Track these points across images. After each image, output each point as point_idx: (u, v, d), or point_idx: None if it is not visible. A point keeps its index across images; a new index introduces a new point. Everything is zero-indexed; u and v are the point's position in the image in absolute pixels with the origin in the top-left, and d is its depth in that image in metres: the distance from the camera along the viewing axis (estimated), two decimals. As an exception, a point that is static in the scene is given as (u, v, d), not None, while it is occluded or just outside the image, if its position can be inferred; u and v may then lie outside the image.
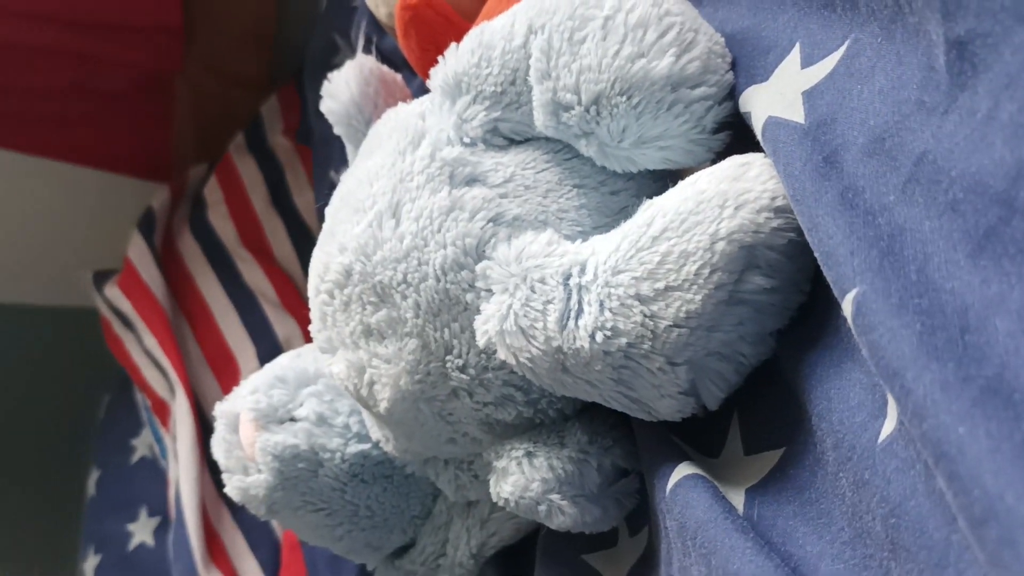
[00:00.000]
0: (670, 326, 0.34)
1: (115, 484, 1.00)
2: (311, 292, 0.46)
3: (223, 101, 1.17)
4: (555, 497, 0.40)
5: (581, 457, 0.41)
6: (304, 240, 1.01)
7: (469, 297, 0.40)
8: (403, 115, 0.45)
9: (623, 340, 0.35)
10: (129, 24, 1.06)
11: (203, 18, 1.13)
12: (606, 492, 0.41)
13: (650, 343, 0.34)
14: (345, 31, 0.86)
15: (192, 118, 1.19)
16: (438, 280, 0.40)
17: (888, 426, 0.29)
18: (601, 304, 0.35)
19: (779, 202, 0.33)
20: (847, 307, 0.28)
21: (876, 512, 0.29)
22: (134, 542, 0.94)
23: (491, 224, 0.40)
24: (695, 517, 0.34)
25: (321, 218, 0.48)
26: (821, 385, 0.33)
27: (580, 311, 0.36)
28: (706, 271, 0.33)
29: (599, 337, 0.35)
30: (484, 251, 0.40)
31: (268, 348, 0.94)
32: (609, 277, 0.35)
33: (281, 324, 0.97)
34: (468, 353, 0.40)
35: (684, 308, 0.33)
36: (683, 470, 0.36)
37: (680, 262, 0.34)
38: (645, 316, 0.34)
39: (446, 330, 0.40)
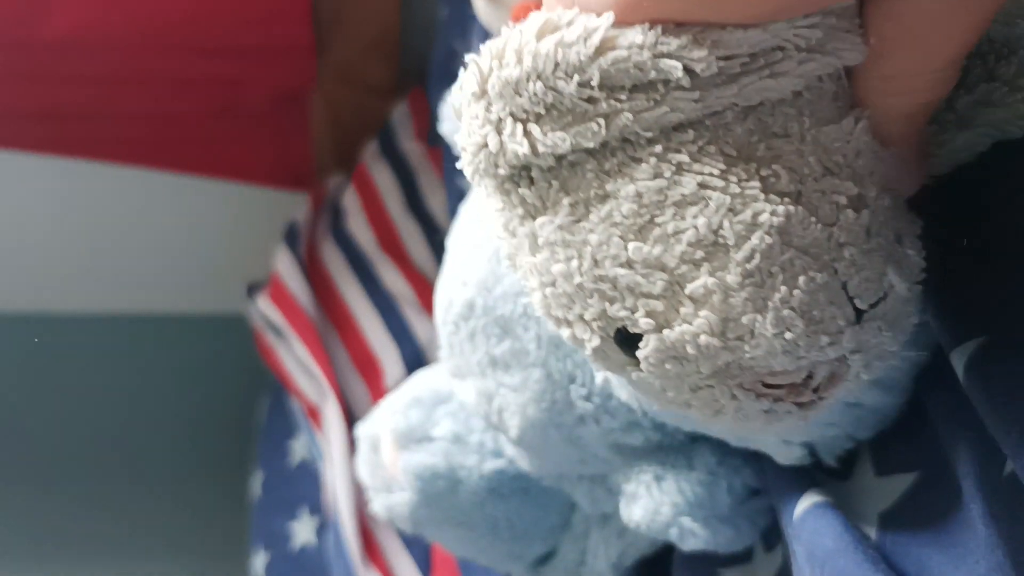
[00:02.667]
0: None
1: (278, 485, 1.05)
2: (438, 321, 0.48)
3: (356, 110, 1.21)
4: (686, 520, 0.40)
5: (710, 479, 0.41)
6: (439, 242, 1.03)
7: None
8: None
9: None
10: (265, 46, 1.11)
11: (332, 33, 1.16)
12: (738, 512, 0.41)
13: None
14: (465, 38, 0.87)
15: (328, 129, 1.23)
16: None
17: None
18: None
19: None
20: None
21: (1008, 548, 0.28)
22: (299, 541, 0.99)
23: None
24: (824, 546, 0.34)
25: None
26: (945, 409, 0.32)
27: None
28: None
29: None
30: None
31: (410, 350, 0.97)
32: None
33: (422, 326, 1.00)
34: (591, 382, 0.41)
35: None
36: (811, 496, 0.36)
37: None
38: None
39: (568, 360, 0.41)
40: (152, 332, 1.32)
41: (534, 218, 0.26)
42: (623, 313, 0.25)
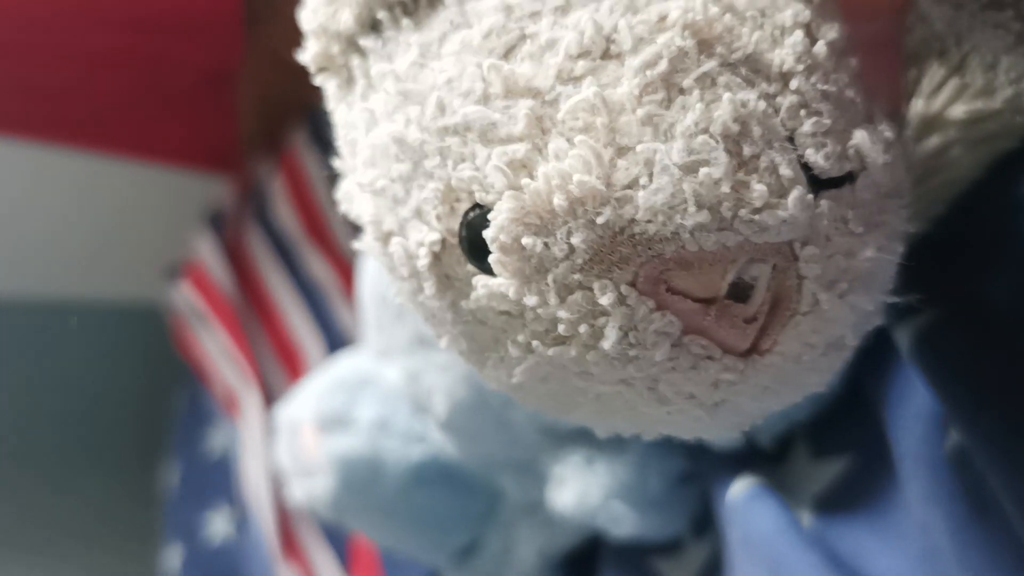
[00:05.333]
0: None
1: (196, 477, 1.02)
2: (365, 298, 0.46)
3: (286, 93, 1.18)
4: (616, 504, 0.39)
5: (642, 462, 0.40)
6: (368, 230, 1.01)
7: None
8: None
9: None
10: (189, 22, 1.07)
11: (263, 11, 1.13)
12: (669, 497, 0.40)
13: None
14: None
15: (256, 111, 1.20)
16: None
17: (954, 437, 0.27)
18: None
19: None
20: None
21: (942, 527, 0.28)
22: (217, 534, 0.96)
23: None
24: (759, 529, 0.33)
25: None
26: (886, 390, 0.31)
27: None
28: None
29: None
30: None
31: (335, 340, 0.95)
32: None
33: (347, 315, 0.97)
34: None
35: None
36: (746, 479, 0.35)
37: None
38: None
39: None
40: (62, 319, 1.27)
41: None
42: (469, 174, 0.18)
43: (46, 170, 1.17)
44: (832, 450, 0.34)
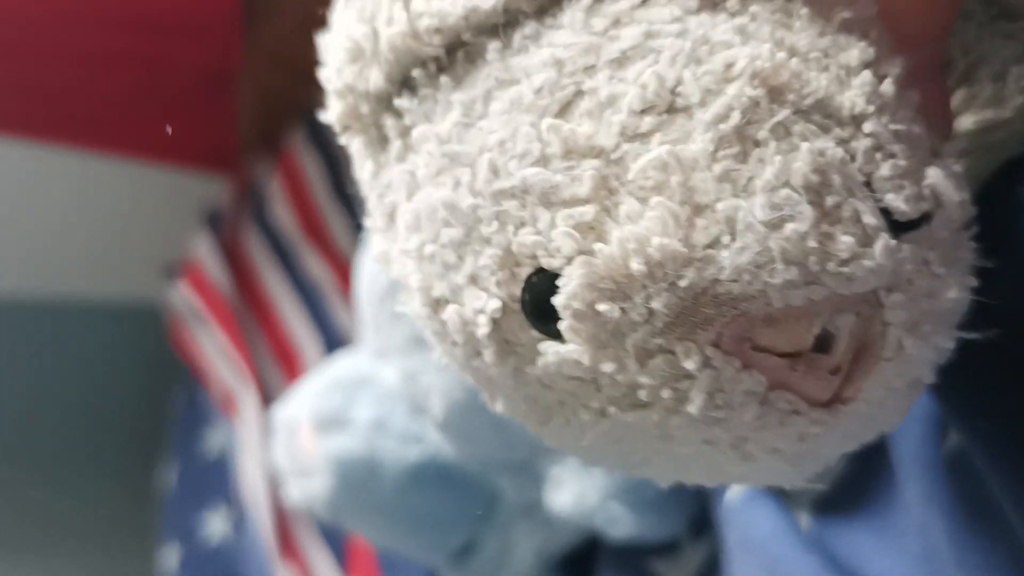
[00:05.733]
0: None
1: (193, 477, 1.02)
2: (362, 298, 0.46)
3: (285, 94, 1.18)
4: (613, 505, 0.39)
5: (640, 464, 0.40)
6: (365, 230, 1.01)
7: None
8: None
9: None
10: (190, 22, 1.07)
11: (263, 11, 1.13)
12: (666, 498, 0.40)
13: None
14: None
15: (255, 111, 1.20)
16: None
17: (953, 438, 0.27)
18: None
19: None
20: None
21: (941, 528, 0.27)
22: (215, 534, 0.96)
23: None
24: (757, 531, 0.33)
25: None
26: None
27: None
28: None
29: None
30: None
31: (333, 340, 0.95)
32: None
33: (345, 315, 0.97)
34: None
35: None
36: (743, 481, 0.35)
37: None
38: None
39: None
40: (59, 318, 1.27)
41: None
42: (533, 239, 0.17)
43: (44, 169, 1.17)
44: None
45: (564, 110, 0.17)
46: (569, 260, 0.17)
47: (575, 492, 0.39)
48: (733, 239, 0.16)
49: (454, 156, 0.18)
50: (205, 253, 1.06)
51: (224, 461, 0.99)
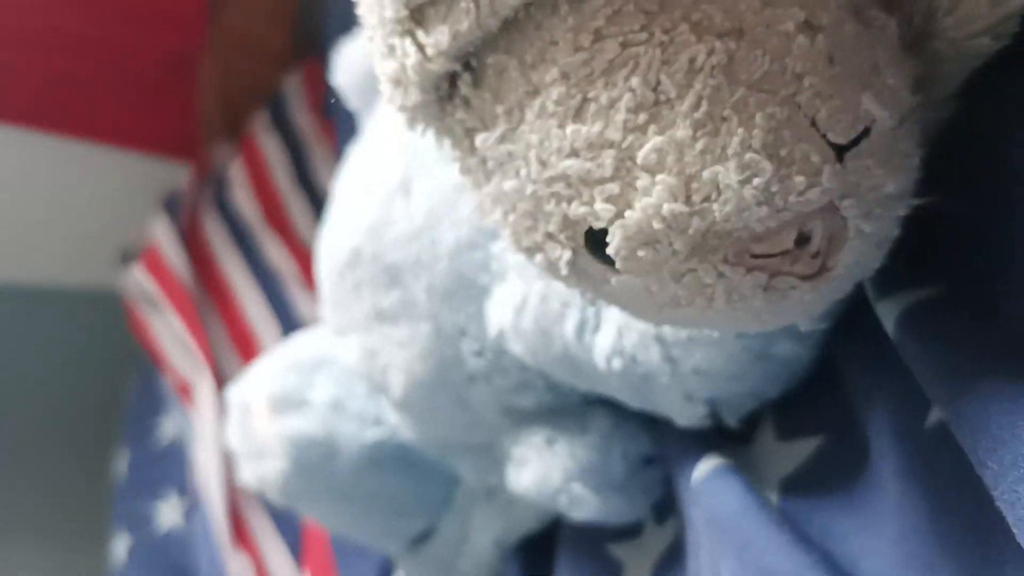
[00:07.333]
0: (691, 372, 0.33)
1: (145, 465, 0.99)
2: (321, 273, 0.45)
3: (247, 78, 1.16)
4: (577, 486, 0.38)
5: (605, 444, 0.39)
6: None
7: (484, 279, 0.38)
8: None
9: (641, 369, 0.34)
10: (153, 6, 1.05)
11: (225, -6, 1.11)
12: (632, 480, 0.39)
13: (668, 378, 0.33)
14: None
15: (217, 96, 1.18)
16: (451, 260, 0.38)
17: (935, 414, 0.27)
18: (620, 331, 0.33)
19: None
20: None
21: (921, 506, 0.27)
22: (165, 523, 0.94)
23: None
24: (725, 509, 0.32)
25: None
26: (860, 368, 0.31)
27: (598, 327, 0.34)
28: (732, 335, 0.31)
29: (616, 363, 0.34)
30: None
31: (291, 326, 0.93)
32: None
33: (305, 303, 0.96)
34: (483, 337, 0.39)
35: (707, 361, 0.32)
36: (711, 459, 0.34)
37: None
38: (665, 357, 0.33)
39: (460, 313, 0.39)
40: (13, 304, 1.24)
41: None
42: (583, 210, 0.24)
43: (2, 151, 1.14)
44: (801, 432, 0.33)
45: (578, 114, 0.23)
46: (610, 223, 0.23)
47: (538, 473, 0.38)
48: (719, 195, 0.22)
49: (510, 153, 0.25)
50: (163, 237, 1.03)
51: (177, 448, 0.97)
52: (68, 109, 1.12)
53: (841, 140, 0.23)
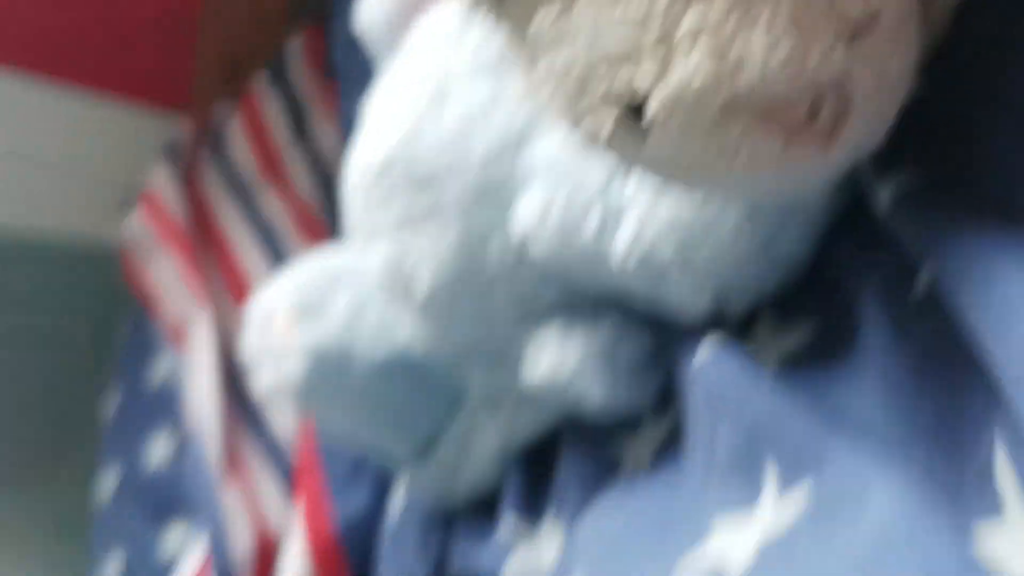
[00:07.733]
0: (701, 262, 0.36)
1: (136, 405, 1.01)
2: (350, 185, 0.48)
3: (247, 36, 1.18)
4: (587, 374, 0.42)
5: (616, 335, 0.42)
6: (325, 175, 1.02)
7: (511, 185, 0.41)
8: (448, 10, 0.47)
9: (656, 262, 0.37)
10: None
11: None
12: (638, 370, 0.42)
13: (679, 270, 0.37)
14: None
15: (215, 53, 1.20)
16: (482, 168, 0.42)
17: (923, 281, 0.30)
18: (640, 225, 0.37)
19: None
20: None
21: (905, 364, 0.30)
22: (154, 461, 0.96)
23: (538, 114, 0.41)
24: (725, 385, 0.35)
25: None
26: (851, 254, 0.34)
27: (619, 225, 0.38)
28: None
29: (632, 262, 0.37)
30: (530, 140, 0.41)
31: (289, 276, 0.96)
32: (651, 198, 0.37)
33: (299, 254, 0.98)
34: (508, 240, 0.42)
35: (717, 250, 0.36)
36: (712, 339, 0.37)
37: None
38: (678, 249, 0.37)
39: (487, 217, 0.42)
40: (8, 252, 1.25)
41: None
42: (627, 76, 0.27)
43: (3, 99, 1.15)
44: (797, 317, 0.37)
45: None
46: (652, 86, 0.27)
47: (554, 360, 0.42)
48: (748, 61, 0.25)
49: (562, 32, 0.28)
50: (163, 183, 1.06)
51: (168, 389, 0.99)
52: (71, 58, 1.14)
53: (856, 13, 0.26)
